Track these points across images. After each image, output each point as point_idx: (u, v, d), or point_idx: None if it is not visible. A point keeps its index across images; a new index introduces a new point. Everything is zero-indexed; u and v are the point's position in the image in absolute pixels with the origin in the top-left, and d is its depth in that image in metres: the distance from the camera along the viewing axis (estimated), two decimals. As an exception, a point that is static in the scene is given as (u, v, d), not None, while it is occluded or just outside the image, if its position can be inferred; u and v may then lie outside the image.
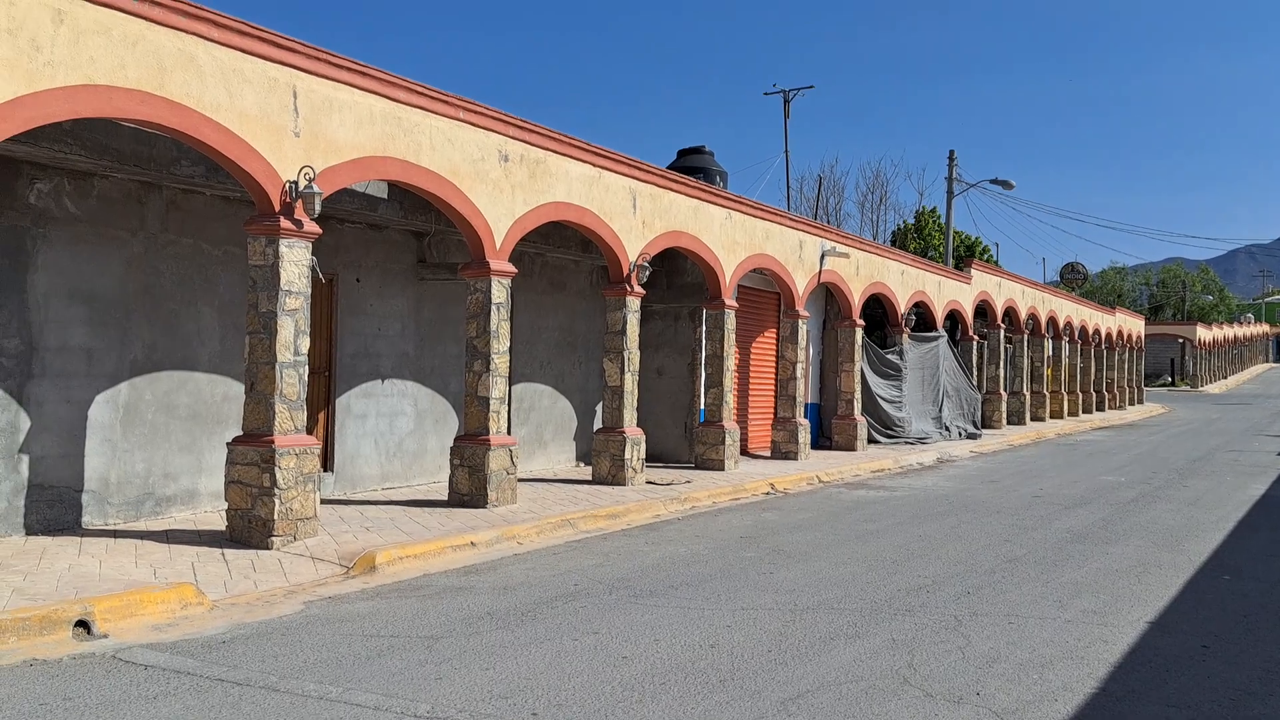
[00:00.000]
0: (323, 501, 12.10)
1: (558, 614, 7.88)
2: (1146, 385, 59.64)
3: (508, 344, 12.76)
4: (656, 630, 7.43)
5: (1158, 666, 6.71)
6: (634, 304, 15.03)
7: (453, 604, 8.13)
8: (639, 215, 14.98)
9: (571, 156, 13.63)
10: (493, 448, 12.32)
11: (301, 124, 9.81)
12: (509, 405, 15.49)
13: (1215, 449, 25.73)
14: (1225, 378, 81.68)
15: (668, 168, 17.23)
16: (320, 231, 10.10)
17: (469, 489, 12.39)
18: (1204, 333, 76.86)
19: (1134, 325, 52.26)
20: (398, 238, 13.92)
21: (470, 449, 12.41)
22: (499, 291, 12.53)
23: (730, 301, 17.44)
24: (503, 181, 12.45)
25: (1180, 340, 75.05)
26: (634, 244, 14.89)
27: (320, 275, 10.40)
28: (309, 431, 12.14)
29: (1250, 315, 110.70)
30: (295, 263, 9.79)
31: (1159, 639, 7.42)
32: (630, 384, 14.98)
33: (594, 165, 14.05)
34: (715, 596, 8.56)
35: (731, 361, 17.62)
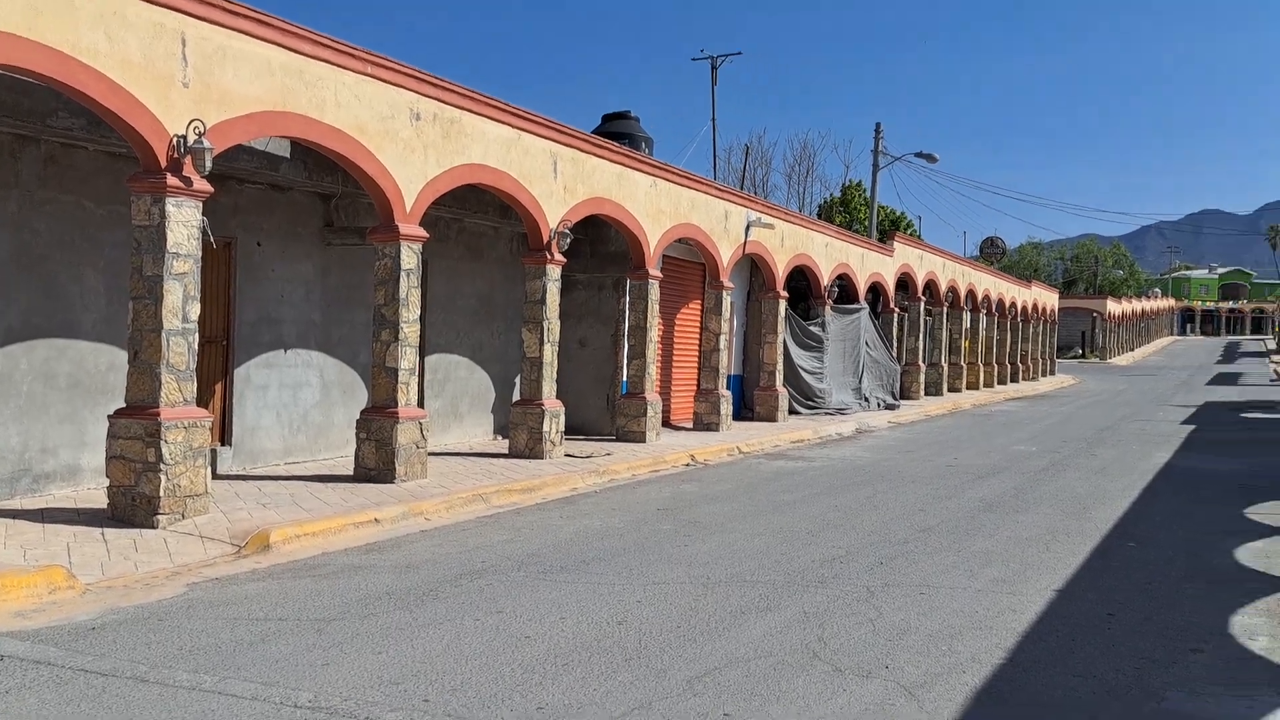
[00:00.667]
0: (219, 477, 11.59)
1: (461, 592, 7.59)
2: (1059, 357, 60.96)
3: (418, 312, 12.34)
4: (563, 608, 7.19)
5: (1064, 635, 6.65)
6: (554, 273, 14.67)
7: (350, 584, 7.78)
8: (560, 180, 14.60)
9: (489, 117, 13.18)
10: (401, 420, 11.92)
11: (191, 74, 9.24)
12: (422, 376, 15.07)
13: (1122, 419, 26.27)
14: (1133, 350, 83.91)
15: (592, 133, 16.83)
16: (211, 190, 9.55)
17: (376, 463, 11.98)
18: (1114, 306, 78.82)
19: (1049, 299, 53.30)
20: (302, 199, 13.36)
21: (378, 422, 11.99)
22: (409, 257, 12.09)
23: (654, 271, 17.18)
24: (414, 141, 11.98)
25: (1092, 314, 76.91)
26: (555, 210, 14.51)
27: (212, 238, 9.86)
28: (204, 403, 11.59)
29: (1158, 290, 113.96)
30: (183, 223, 9.25)
31: (1066, 607, 7.38)
32: (549, 355, 14.65)
33: (512, 127, 13.61)
34: (627, 571, 8.35)
35: (655, 332, 17.39)
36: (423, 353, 14.97)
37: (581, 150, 15.08)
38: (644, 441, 16.74)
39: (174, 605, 7.07)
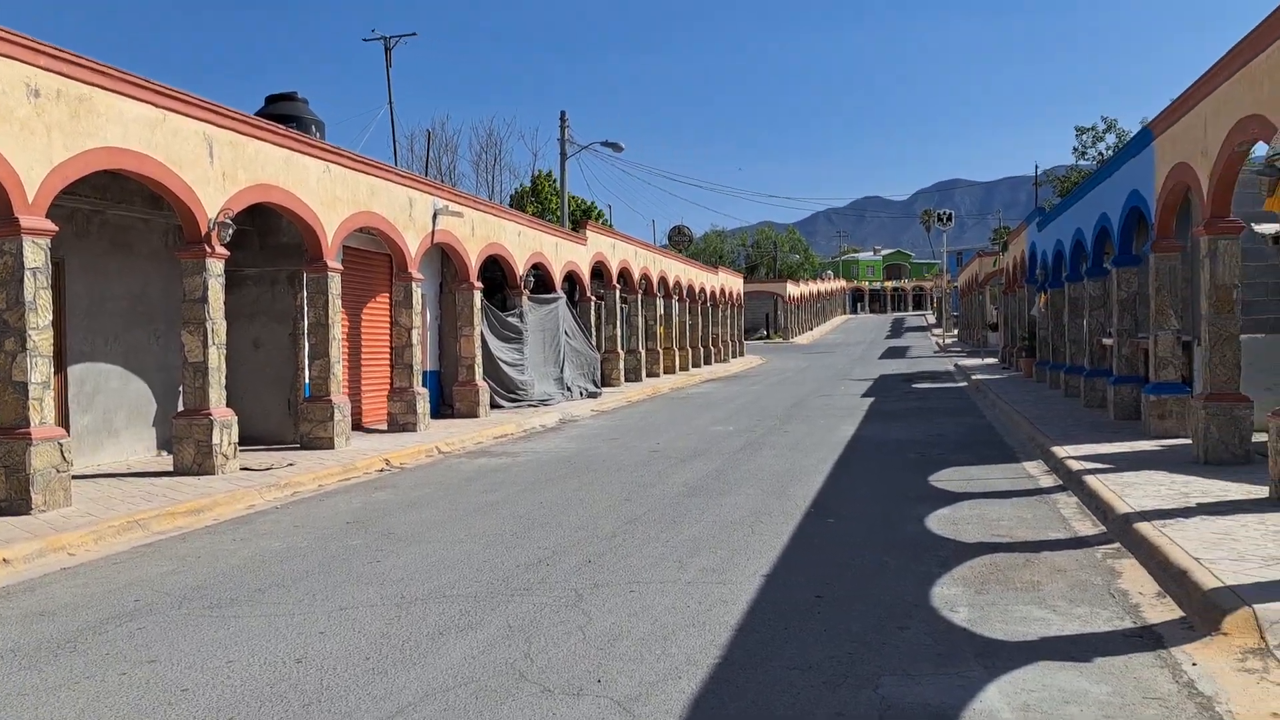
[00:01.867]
0: None
1: (105, 641, 6.41)
2: (746, 338, 64.07)
3: (50, 317, 10.65)
4: (231, 649, 6.21)
5: (777, 626, 6.43)
6: (216, 267, 13.20)
7: (-41, 646, 6.38)
8: (218, 165, 13.15)
9: (127, 95, 11.60)
10: (35, 442, 10.23)
11: None
12: (65, 390, 13.21)
13: (808, 395, 27.62)
14: (812, 329, 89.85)
15: (255, 115, 15.35)
16: None
17: (6, 494, 10.23)
18: (793, 289, 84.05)
19: (734, 283, 55.80)
20: (-105, 190, 11.20)
21: (6, 445, 10.24)
22: (35, 254, 10.39)
23: (334, 264, 15.98)
24: (33, 121, 10.30)
25: (774, 296, 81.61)
26: (213, 198, 13.06)
27: None
28: None
29: (830, 272, 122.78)
30: None
31: (776, 593, 7.21)
32: (216, 358, 13.17)
33: (157, 106, 12.07)
34: (310, 597, 7.42)
35: (339, 329, 16.19)
36: (64, 363, 13.14)
37: (241, 133, 13.68)
38: (332, 448, 15.54)
39: None
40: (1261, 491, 9.65)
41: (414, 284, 18.63)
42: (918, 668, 5.59)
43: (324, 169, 15.68)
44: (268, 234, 16.70)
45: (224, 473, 12.98)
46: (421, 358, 19.41)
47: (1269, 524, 8.31)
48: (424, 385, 19.39)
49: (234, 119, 13.54)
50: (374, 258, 19.35)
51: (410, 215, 18.51)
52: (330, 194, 15.84)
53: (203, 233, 12.88)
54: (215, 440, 12.96)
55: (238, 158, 13.57)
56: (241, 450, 13.83)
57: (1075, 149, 55.51)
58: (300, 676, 5.71)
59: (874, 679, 5.44)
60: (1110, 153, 50.94)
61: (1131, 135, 23.86)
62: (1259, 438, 12.08)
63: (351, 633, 6.52)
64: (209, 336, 13.03)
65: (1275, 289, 15.54)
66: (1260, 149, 10.56)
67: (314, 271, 15.87)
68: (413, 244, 18.56)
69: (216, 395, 13.15)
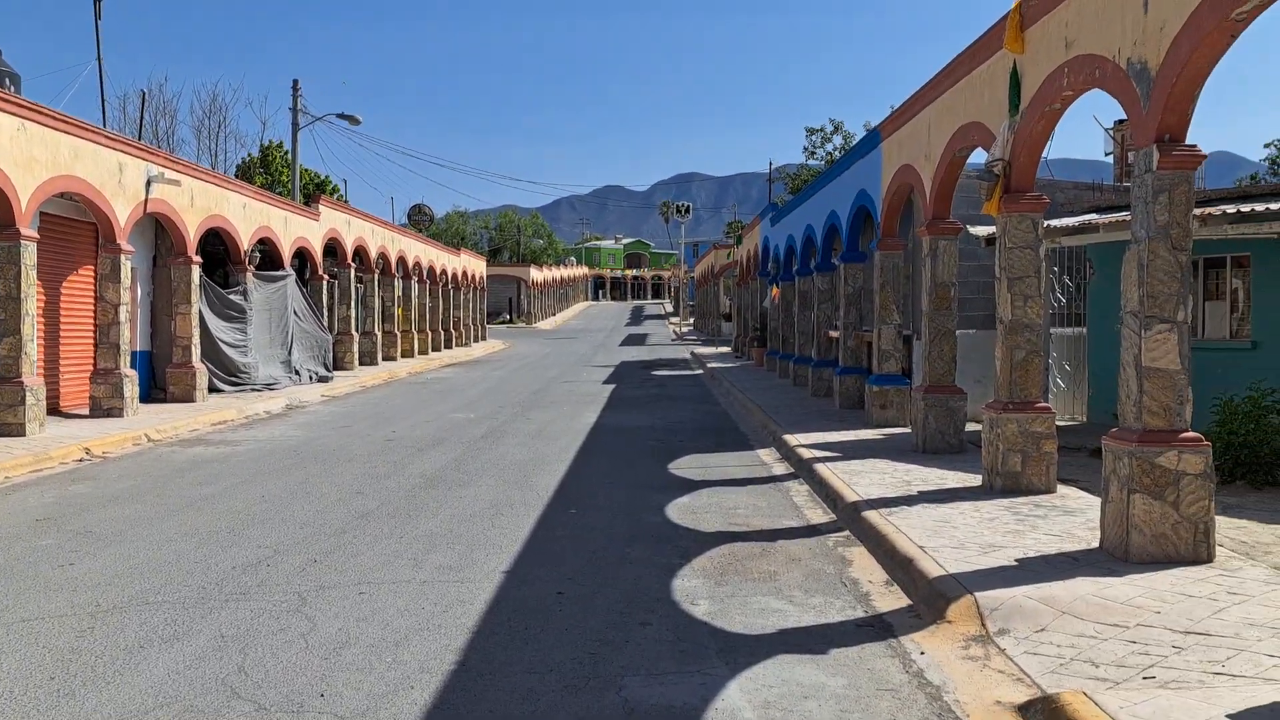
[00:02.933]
0: None
1: None
2: (489, 322, 63.51)
3: None
4: (-123, 677, 5.26)
5: (517, 626, 6.15)
6: (-124, 229, 11.45)
7: None
8: (-120, 112, 11.39)
9: None
10: None
11: None
12: None
13: (552, 380, 27.56)
14: (555, 315, 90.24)
15: (-68, 60, 13.51)
16: None
17: None
18: (536, 274, 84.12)
19: (477, 266, 55.09)
20: None
21: None
22: None
23: (29, 231, 14.35)
24: None
25: (517, 281, 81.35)
26: (-127, 149, 11.31)
27: None
28: None
29: (573, 258, 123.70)
30: None
31: (517, 591, 6.93)
32: (-126, 333, 11.44)
33: None
34: (-17, 609, 6.46)
35: (33, 304, 14.56)
36: None
37: (-84, 75, 11.93)
38: (24, 435, 13.96)
39: None
40: (975, 480, 10.28)
41: (123, 256, 17.03)
42: (660, 666, 5.47)
43: (18, 126, 13.97)
44: (-54, 194, 14.72)
45: (-117, 465, 11.30)
46: (131, 337, 17.81)
47: (984, 511, 8.83)
48: (133, 367, 17.79)
49: (-99, 59, 11.78)
50: (78, 226, 17.52)
51: (120, 181, 16.87)
52: (25, 154, 14.15)
53: None
54: (-128, 428, 11.25)
55: (-94, 104, 11.83)
56: (-93, 439, 12.11)
57: (806, 148, 58.26)
58: (-35, 705, 4.91)
59: (617, 680, 5.26)
60: (838, 153, 53.86)
61: (857, 138, 25.25)
62: (973, 428, 12.95)
63: (34, 648, 5.73)
64: None
65: (986, 288, 16.74)
66: (979, 155, 11.25)
67: (5, 239, 14.18)
68: (122, 213, 16.94)
69: (-126, 376, 11.42)
